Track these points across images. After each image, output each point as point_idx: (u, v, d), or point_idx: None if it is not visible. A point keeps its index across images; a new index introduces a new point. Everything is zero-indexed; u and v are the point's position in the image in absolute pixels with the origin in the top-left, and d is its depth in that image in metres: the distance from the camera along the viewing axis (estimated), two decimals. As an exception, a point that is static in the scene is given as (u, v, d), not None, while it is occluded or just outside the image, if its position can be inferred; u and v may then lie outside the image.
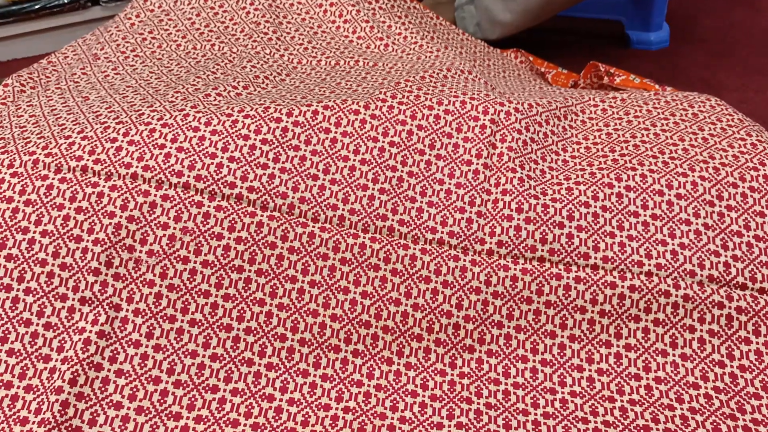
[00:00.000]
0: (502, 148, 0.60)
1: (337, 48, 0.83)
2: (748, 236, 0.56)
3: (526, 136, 0.61)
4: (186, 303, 0.52)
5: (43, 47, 1.26)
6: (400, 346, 0.53)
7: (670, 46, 1.18)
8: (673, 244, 0.55)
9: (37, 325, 0.50)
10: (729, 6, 1.33)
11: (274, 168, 0.57)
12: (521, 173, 0.59)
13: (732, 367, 0.52)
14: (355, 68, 0.77)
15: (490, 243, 0.55)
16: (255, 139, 0.58)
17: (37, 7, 1.22)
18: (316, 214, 0.56)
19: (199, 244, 0.53)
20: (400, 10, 0.90)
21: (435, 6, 1.17)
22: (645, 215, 0.56)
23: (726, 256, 0.55)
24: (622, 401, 0.51)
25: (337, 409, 0.50)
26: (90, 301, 0.51)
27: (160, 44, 0.84)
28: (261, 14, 0.87)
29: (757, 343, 0.52)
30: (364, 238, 0.55)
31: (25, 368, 0.49)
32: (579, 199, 0.57)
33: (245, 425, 0.49)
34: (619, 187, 0.57)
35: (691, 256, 0.54)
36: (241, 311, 0.53)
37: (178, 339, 0.51)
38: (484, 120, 0.61)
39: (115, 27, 0.88)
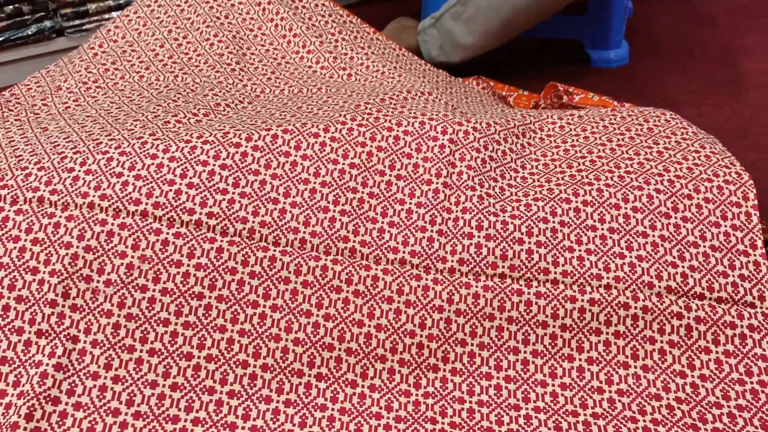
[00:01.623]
0: (461, 166, 0.60)
1: (300, 77, 0.84)
2: (705, 246, 0.57)
3: (484, 154, 0.62)
4: (145, 332, 0.51)
5: (7, 79, 1.25)
6: (364, 367, 0.53)
7: (630, 62, 1.21)
8: (630, 257, 0.56)
9: (-8, 360, 0.49)
10: (686, 22, 1.37)
11: (233, 193, 0.57)
12: (480, 191, 0.59)
13: (693, 377, 0.52)
14: (317, 94, 0.77)
15: (452, 261, 0.56)
16: (214, 165, 0.58)
17: (0, 39, 1.21)
18: (277, 238, 0.56)
19: (158, 272, 0.53)
20: (363, 41, 0.91)
21: (400, 30, 1.19)
22: (602, 229, 0.57)
23: (683, 266, 0.56)
24: (585, 415, 0.51)
25: (299, 434, 0.50)
26: (47, 334, 0.50)
27: (122, 75, 0.84)
28: (225, 46, 0.88)
29: (717, 352, 0.53)
30: (326, 260, 0.55)
31: (-22, 405, 0.48)
32: (537, 215, 0.57)
33: (207, 455, 0.48)
34: (577, 202, 0.58)
35: (648, 268, 0.55)
36: (202, 339, 0.52)
37: (138, 369, 0.50)
38: (443, 140, 0.62)
39: (78, 57, 0.88)
